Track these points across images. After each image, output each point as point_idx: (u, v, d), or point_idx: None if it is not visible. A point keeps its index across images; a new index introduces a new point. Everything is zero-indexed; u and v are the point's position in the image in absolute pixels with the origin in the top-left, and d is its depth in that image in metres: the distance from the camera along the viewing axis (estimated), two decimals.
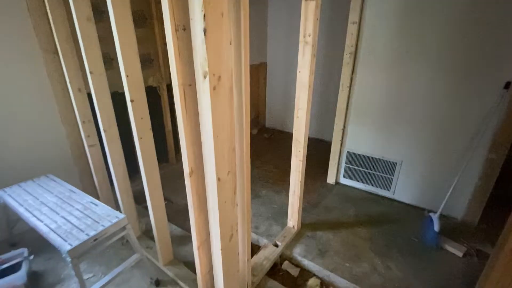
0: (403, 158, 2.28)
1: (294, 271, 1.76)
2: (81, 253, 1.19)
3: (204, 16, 0.76)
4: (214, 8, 0.78)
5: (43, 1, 1.61)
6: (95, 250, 1.26)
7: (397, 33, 2.01)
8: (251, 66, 3.96)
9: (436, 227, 1.86)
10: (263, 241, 1.93)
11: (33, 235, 1.81)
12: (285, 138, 4.09)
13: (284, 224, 2.05)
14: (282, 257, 1.85)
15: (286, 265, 1.81)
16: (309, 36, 1.44)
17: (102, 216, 1.37)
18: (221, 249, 1.12)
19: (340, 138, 2.53)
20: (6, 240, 1.84)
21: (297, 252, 1.80)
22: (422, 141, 2.14)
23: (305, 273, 1.75)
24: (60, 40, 1.61)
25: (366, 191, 2.56)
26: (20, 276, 1.43)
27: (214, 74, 0.84)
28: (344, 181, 2.70)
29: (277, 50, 4.01)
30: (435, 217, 1.93)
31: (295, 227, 1.97)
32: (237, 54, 0.98)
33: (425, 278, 1.61)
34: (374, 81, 2.21)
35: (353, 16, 2.10)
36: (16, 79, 1.78)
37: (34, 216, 1.39)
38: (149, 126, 1.35)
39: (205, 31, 0.77)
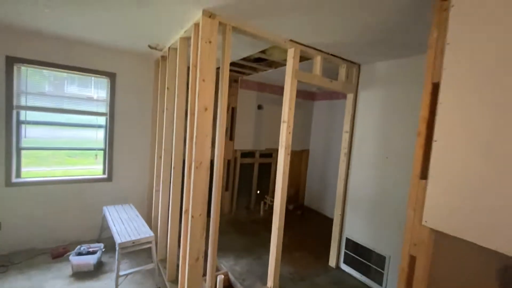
0: (392, 253, 2.41)
1: None
2: (125, 246, 2.10)
3: (196, 137, 1.73)
4: (202, 132, 1.74)
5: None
6: (133, 248, 2.15)
7: (378, 142, 2.53)
8: (294, 152, 4.82)
9: None
10: None
11: (109, 241, 2.91)
12: (315, 218, 4.42)
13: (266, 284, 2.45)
14: None
15: None
16: (284, 143, 2.24)
17: (142, 232, 2.30)
18: (189, 265, 1.81)
19: (339, 223, 2.87)
20: (96, 239, 3.00)
21: None
22: None
23: None
24: (159, 129, 2.97)
25: (361, 282, 2.64)
26: (94, 258, 2.44)
27: (197, 161, 1.75)
28: (344, 267, 2.85)
29: (318, 141, 4.79)
30: None
31: (271, 287, 2.35)
32: (219, 148, 1.88)
33: None
34: (364, 178, 2.65)
35: (346, 127, 2.78)
36: (136, 152, 3.24)
37: (113, 223, 2.45)
38: (180, 182, 2.33)
39: (195, 144, 1.73)
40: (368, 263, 2.60)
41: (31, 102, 2.70)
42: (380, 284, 2.48)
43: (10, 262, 2.51)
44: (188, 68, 2.06)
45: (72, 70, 2.79)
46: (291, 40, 2.15)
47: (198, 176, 1.76)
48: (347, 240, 2.82)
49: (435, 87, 1.22)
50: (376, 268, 2.52)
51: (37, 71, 2.72)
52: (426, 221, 1.21)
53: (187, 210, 1.92)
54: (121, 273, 2.10)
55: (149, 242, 2.23)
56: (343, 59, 2.58)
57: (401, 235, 2.34)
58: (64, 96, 2.87)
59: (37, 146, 2.82)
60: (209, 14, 1.71)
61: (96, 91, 3.03)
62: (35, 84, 2.74)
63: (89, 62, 2.86)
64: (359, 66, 2.73)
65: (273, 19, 1.80)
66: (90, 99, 3.01)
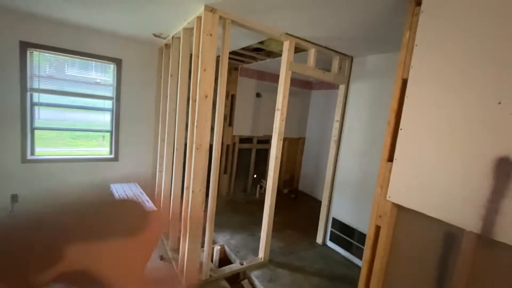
0: None
1: (247, 286, 2.40)
2: None
3: (197, 121, 1.93)
4: (202, 117, 1.94)
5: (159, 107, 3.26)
6: None
7: (365, 131, 2.74)
8: (291, 139, 5.03)
9: None
10: (237, 260, 2.66)
11: None
12: (308, 201, 4.69)
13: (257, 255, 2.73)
14: (244, 276, 2.52)
15: (245, 281, 2.47)
16: (277, 129, 2.44)
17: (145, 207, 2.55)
18: (189, 235, 2.06)
19: (327, 204, 3.12)
20: None
21: (254, 274, 2.45)
22: None
23: None
24: (162, 114, 3.17)
25: (344, 257, 2.92)
26: None
27: (197, 143, 1.96)
28: (329, 244, 3.13)
29: (314, 129, 5.00)
30: None
31: (262, 258, 2.63)
32: (218, 132, 2.09)
33: None
34: (350, 164, 2.87)
35: (336, 116, 2.98)
36: (141, 134, 3.45)
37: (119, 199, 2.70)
38: (182, 163, 2.55)
39: (196, 128, 1.94)
40: (351, 240, 2.87)
41: (43, 86, 2.88)
42: (361, 259, 2.75)
43: None
44: (191, 56, 2.22)
45: (81, 55, 2.95)
46: (286, 33, 2.30)
47: (198, 157, 1.98)
48: (334, 219, 3.08)
49: (404, 83, 1.41)
50: (358, 244, 2.79)
51: (49, 56, 2.89)
52: (389, 197, 1.44)
53: (188, 187, 2.15)
54: None
55: None
56: (336, 51, 2.74)
57: None
58: (74, 80, 3.04)
59: (50, 127, 3.03)
60: (210, 9, 1.87)
61: (104, 76, 3.20)
62: (46, 69, 2.91)
63: (97, 48, 3.01)
64: (351, 58, 2.89)
65: (269, 14, 1.96)
66: (98, 84, 3.18)
